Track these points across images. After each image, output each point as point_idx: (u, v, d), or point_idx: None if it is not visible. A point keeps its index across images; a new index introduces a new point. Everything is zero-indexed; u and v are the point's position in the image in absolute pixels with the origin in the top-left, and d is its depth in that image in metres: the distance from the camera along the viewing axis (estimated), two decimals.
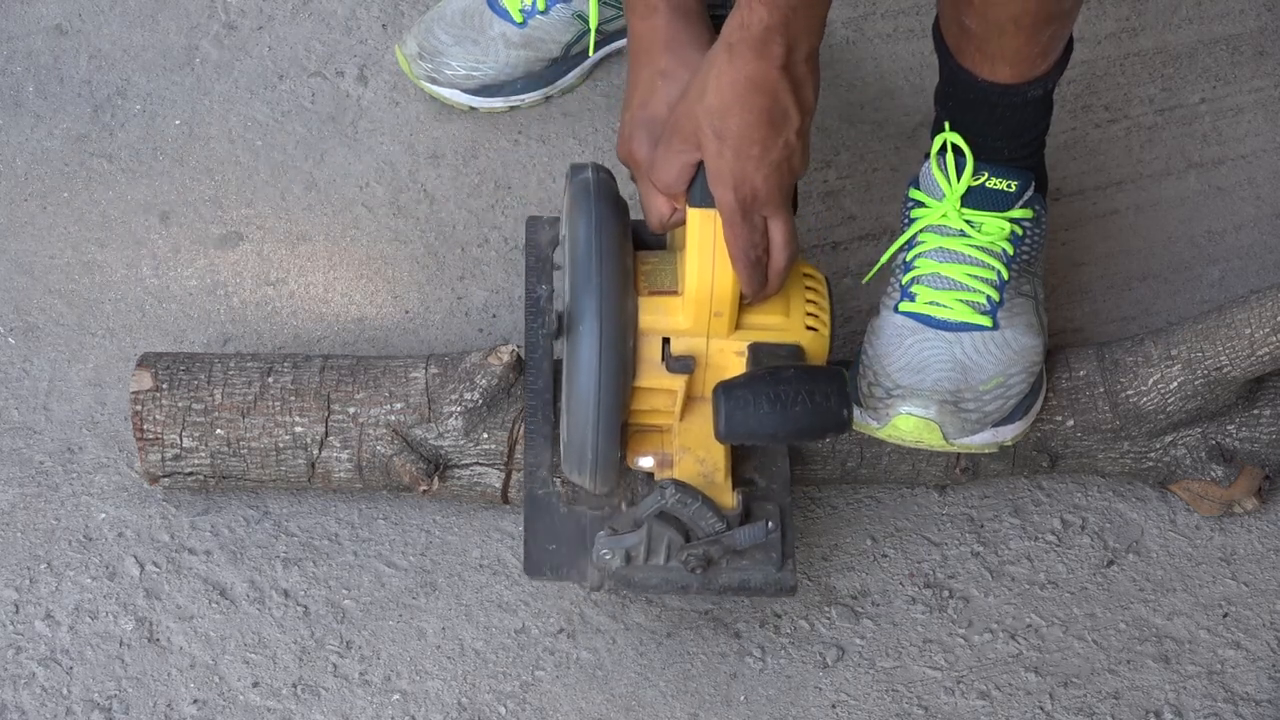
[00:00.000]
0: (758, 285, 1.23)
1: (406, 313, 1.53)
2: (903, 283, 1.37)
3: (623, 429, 1.24)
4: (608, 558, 1.25)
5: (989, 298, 1.35)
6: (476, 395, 1.34)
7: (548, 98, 1.67)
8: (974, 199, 1.37)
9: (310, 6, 1.74)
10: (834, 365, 1.27)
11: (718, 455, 1.27)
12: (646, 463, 1.28)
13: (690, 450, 1.27)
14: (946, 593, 1.38)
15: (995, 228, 1.36)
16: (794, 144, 1.20)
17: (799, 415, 1.19)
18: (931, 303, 1.35)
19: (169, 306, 1.53)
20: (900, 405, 1.30)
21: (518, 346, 1.35)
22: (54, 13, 1.74)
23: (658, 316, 1.24)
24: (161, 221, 1.59)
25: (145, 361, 1.37)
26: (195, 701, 1.32)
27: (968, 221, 1.36)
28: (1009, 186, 1.37)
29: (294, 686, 1.33)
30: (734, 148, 1.17)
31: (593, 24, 1.60)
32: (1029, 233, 1.39)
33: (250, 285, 1.55)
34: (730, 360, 1.25)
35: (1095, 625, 1.37)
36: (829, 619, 1.37)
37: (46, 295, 1.54)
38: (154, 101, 1.67)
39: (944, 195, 1.37)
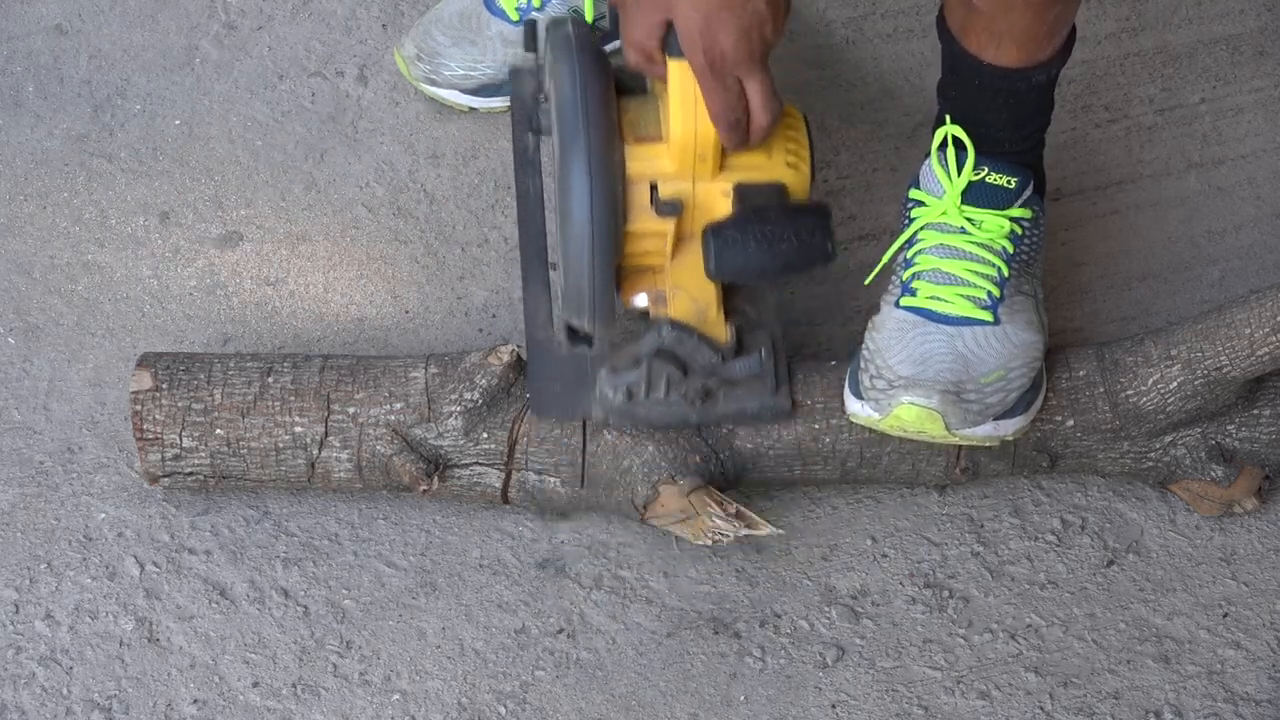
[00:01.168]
0: (738, 143, 1.26)
1: (406, 313, 1.53)
2: (904, 279, 1.38)
3: (617, 271, 1.29)
4: (610, 395, 1.31)
5: (989, 293, 1.36)
6: (476, 395, 1.34)
7: None
8: (974, 195, 1.37)
9: (310, 6, 1.74)
10: (817, 202, 1.30)
11: (710, 292, 1.32)
12: (641, 301, 1.32)
13: (683, 288, 1.31)
14: (946, 593, 1.38)
15: (995, 225, 1.37)
16: (763, 10, 1.20)
17: (785, 252, 1.25)
18: (933, 297, 1.35)
19: (169, 306, 1.53)
20: (903, 395, 1.30)
21: (518, 347, 1.36)
22: (54, 13, 1.74)
23: (644, 163, 1.27)
24: (161, 221, 1.59)
25: (145, 361, 1.37)
26: (195, 701, 1.32)
27: (968, 219, 1.37)
28: (1009, 183, 1.37)
29: (294, 686, 1.33)
30: (702, 11, 1.18)
31: (589, 19, 1.60)
32: (1028, 232, 1.39)
33: (250, 285, 1.55)
34: (717, 200, 1.29)
35: (1095, 625, 1.37)
36: (829, 619, 1.37)
37: (46, 295, 1.54)
38: (154, 101, 1.67)
39: (944, 192, 1.37)
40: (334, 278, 1.56)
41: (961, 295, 1.35)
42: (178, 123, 1.66)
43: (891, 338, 1.34)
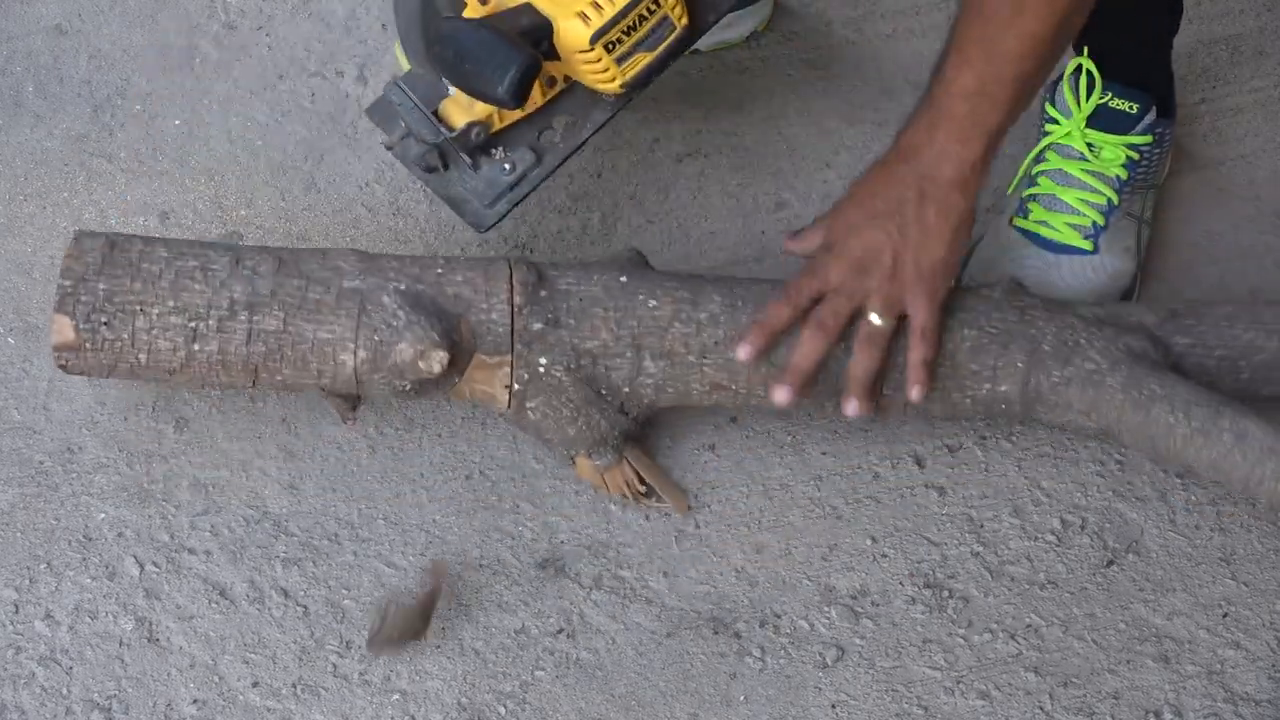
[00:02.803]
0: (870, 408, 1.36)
1: None
2: (1023, 196, 1.52)
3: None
4: (402, 126, 1.40)
5: (1094, 223, 1.49)
6: (407, 385, 1.34)
7: None
8: (1097, 120, 1.49)
9: (310, 6, 1.74)
10: (529, 51, 1.31)
11: None
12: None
13: None
14: (946, 593, 1.38)
15: (1113, 154, 1.49)
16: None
17: (469, 70, 1.30)
18: (1041, 222, 1.49)
19: None
20: None
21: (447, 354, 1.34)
22: (54, 13, 1.74)
23: None
24: (161, 221, 1.59)
25: (63, 304, 1.33)
26: (195, 701, 1.32)
27: (1089, 145, 1.49)
28: (1130, 108, 1.49)
29: (294, 686, 1.33)
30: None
31: None
32: (1145, 157, 1.51)
33: None
34: (510, 5, 1.34)
35: (1095, 625, 1.36)
36: (829, 619, 1.37)
37: (46, 295, 1.54)
38: (154, 101, 1.67)
39: (1072, 114, 1.49)
40: None
41: (1068, 224, 1.48)
42: (178, 123, 1.66)
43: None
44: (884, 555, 1.40)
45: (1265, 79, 1.70)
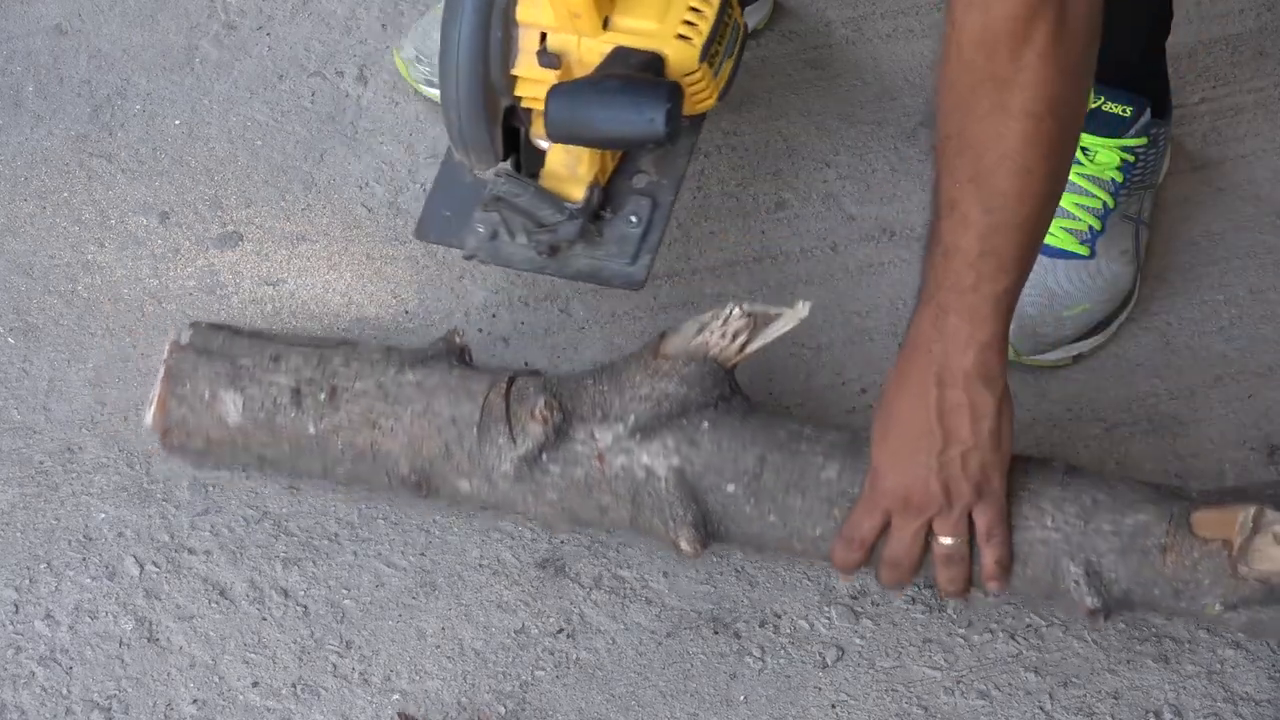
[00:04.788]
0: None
1: (406, 312, 1.53)
2: None
3: (516, 111, 1.33)
4: (480, 230, 1.35)
5: (1090, 227, 1.47)
6: (529, 445, 1.31)
7: None
8: (1090, 123, 1.46)
9: (310, 6, 1.74)
10: (670, 81, 1.28)
11: (583, 148, 1.33)
12: (542, 144, 1.35)
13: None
14: None
15: (1107, 157, 1.48)
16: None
17: (614, 121, 1.24)
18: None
19: (169, 306, 1.53)
20: None
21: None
22: (54, 13, 1.74)
23: (534, 10, 1.29)
24: (161, 221, 1.59)
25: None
26: (195, 701, 1.32)
27: (1083, 149, 1.47)
28: (1123, 111, 1.47)
29: (294, 686, 1.33)
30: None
31: None
32: (1141, 159, 1.49)
33: (250, 285, 1.55)
34: (595, 60, 1.30)
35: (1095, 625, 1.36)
36: (829, 619, 1.37)
37: (46, 295, 1.54)
38: (154, 101, 1.67)
39: None
40: (334, 278, 1.56)
41: (1064, 229, 1.47)
42: (178, 123, 1.66)
43: None
44: None
45: (1265, 79, 1.70)
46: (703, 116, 1.40)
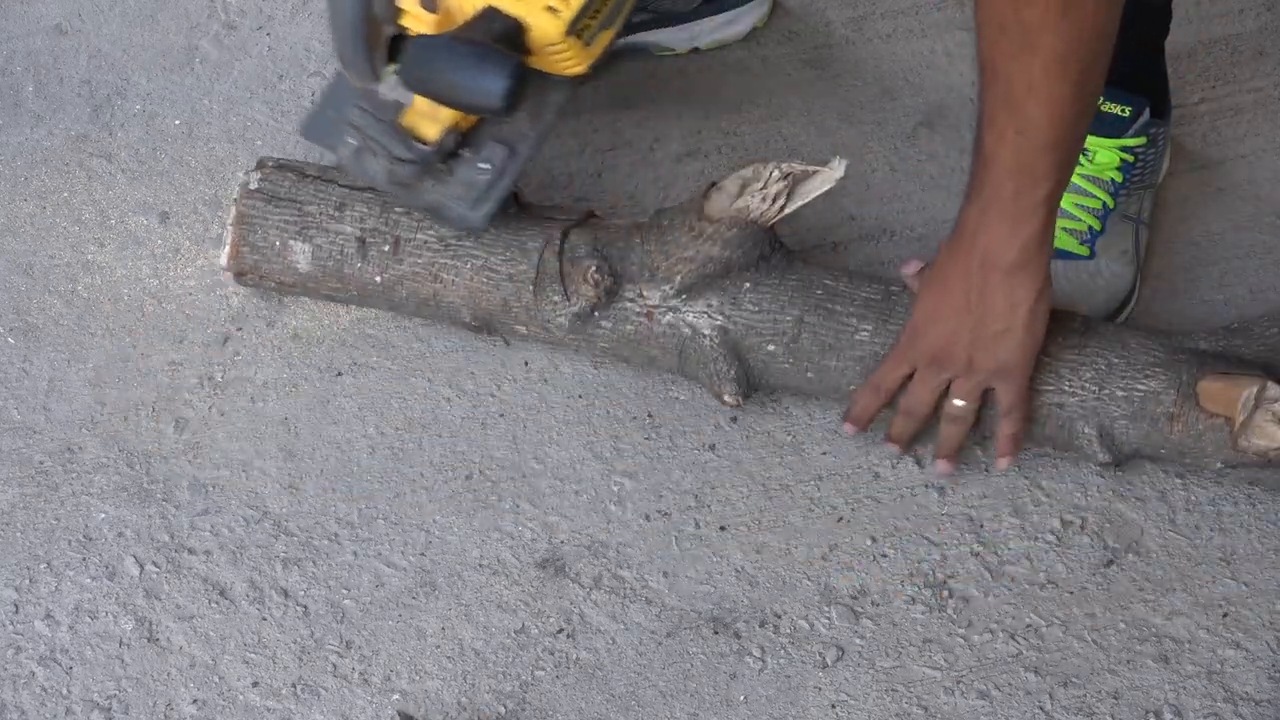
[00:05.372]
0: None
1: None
2: None
3: (394, 41, 1.33)
4: (351, 142, 1.40)
5: (1090, 228, 1.48)
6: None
7: None
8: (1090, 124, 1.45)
9: (310, 6, 1.74)
10: (516, 58, 1.30)
11: None
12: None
13: None
14: (946, 593, 1.38)
15: (1106, 158, 1.49)
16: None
17: (457, 86, 1.29)
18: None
19: (169, 306, 1.53)
20: None
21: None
22: (54, 13, 1.74)
23: None
24: (161, 222, 1.59)
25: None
26: (195, 701, 1.32)
27: (1082, 149, 1.45)
28: (1123, 111, 1.49)
29: (294, 686, 1.33)
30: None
31: None
32: (1140, 159, 1.51)
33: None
34: (470, 12, 1.33)
35: (1095, 625, 1.36)
36: (828, 619, 1.37)
37: (46, 295, 1.54)
38: (154, 101, 1.67)
39: None
40: None
41: (1064, 229, 1.47)
42: (178, 123, 1.66)
43: None
44: (884, 555, 1.40)
45: (1265, 79, 1.70)
46: (584, 76, 1.41)
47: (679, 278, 1.39)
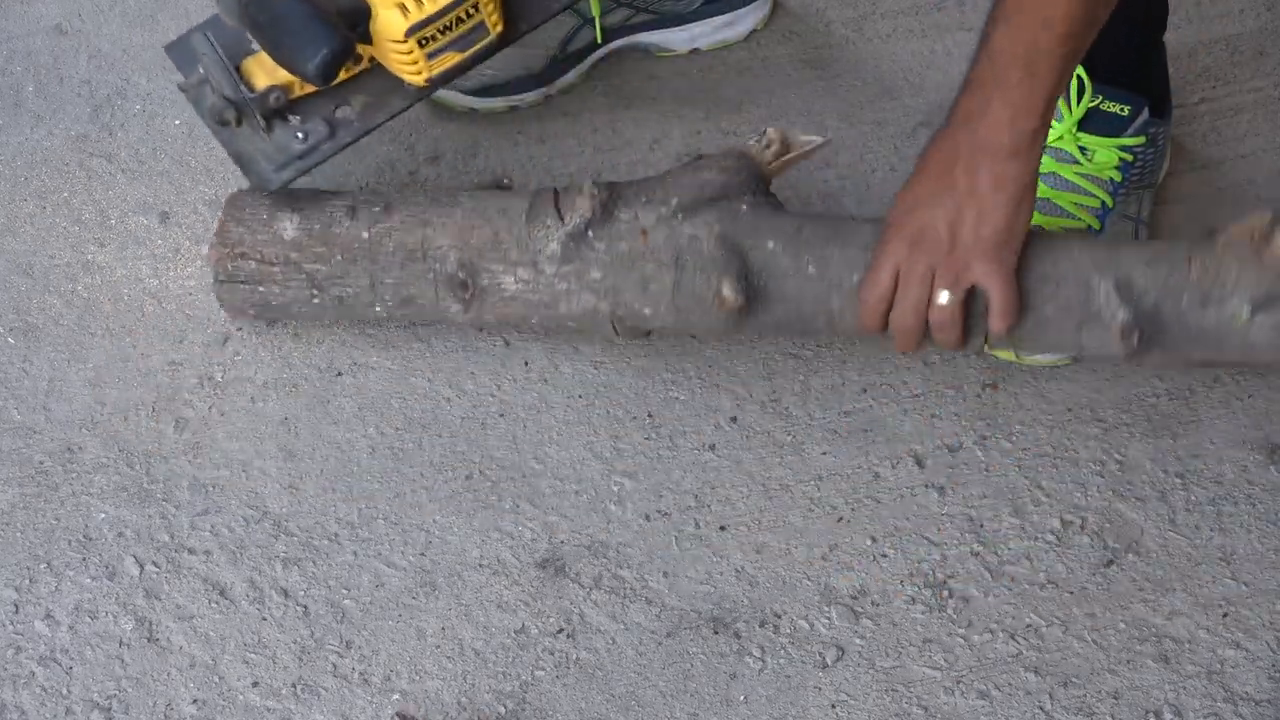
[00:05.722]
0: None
1: None
2: None
3: None
4: (200, 71, 1.42)
5: (1090, 227, 1.48)
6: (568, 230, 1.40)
7: (547, 97, 1.67)
8: (1088, 123, 1.49)
9: None
10: (344, 36, 1.33)
11: None
12: None
13: None
14: (946, 593, 1.38)
15: (1105, 157, 1.49)
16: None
17: (280, 43, 1.33)
18: (1036, 226, 1.41)
19: (168, 306, 1.53)
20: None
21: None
22: (54, 13, 1.74)
23: None
24: (161, 222, 1.59)
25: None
26: (195, 701, 1.32)
27: (1080, 148, 1.48)
28: (1122, 110, 1.49)
29: (294, 686, 1.33)
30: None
31: (595, 12, 1.61)
32: (1140, 158, 1.51)
33: None
34: None
35: (1095, 625, 1.36)
36: (828, 619, 1.37)
37: (46, 295, 1.54)
38: (154, 101, 1.67)
39: (1063, 118, 1.49)
40: None
41: (1063, 227, 1.47)
42: (178, 123, 1.66)
43: None
44: (884, 555, 1.40)
45: (1265, 79, 1.70)
46: (425, 91, 1.44)
47: (675, 199, 1.38)
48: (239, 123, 1.42)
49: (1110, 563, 1.40)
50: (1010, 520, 1.42)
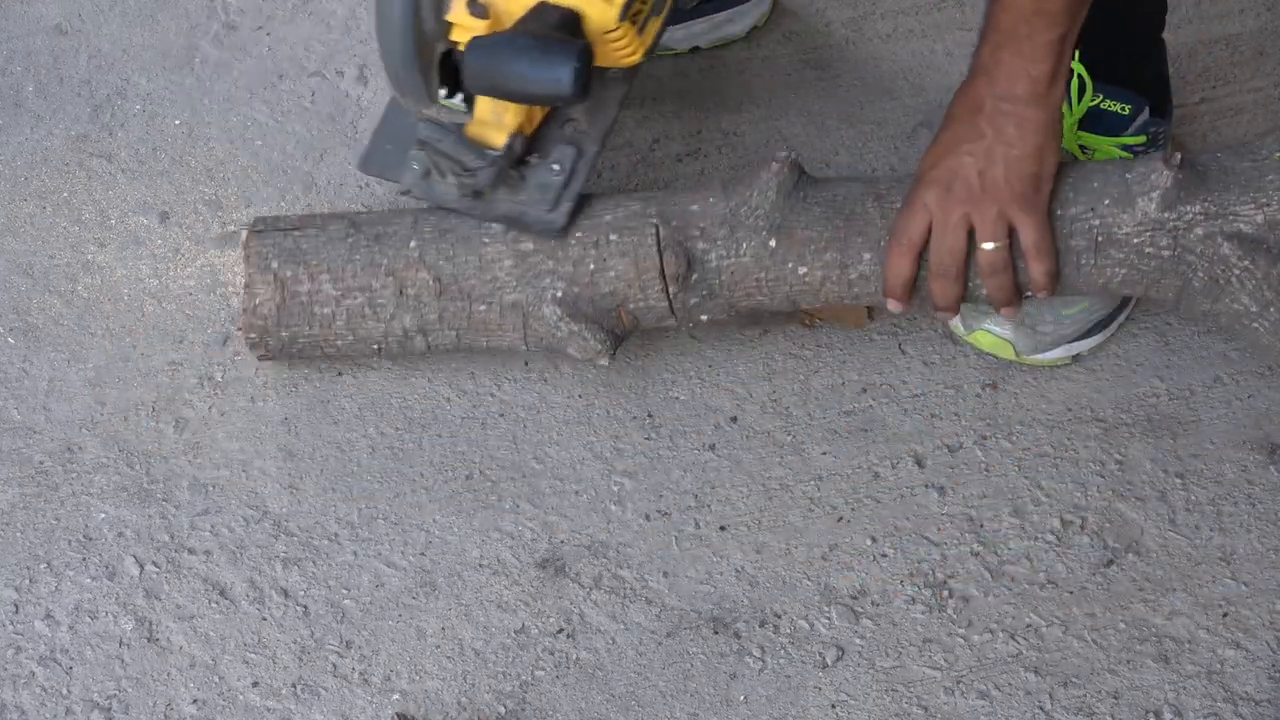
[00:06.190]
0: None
1: None
2: None
3: (444, 59, 1.34)
4: (415, 168, 1.41)
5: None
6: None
7: None
8: (1089, 122, 1.48)
9: (310, 6, 1.74)
10: (581, 41, 1.32)
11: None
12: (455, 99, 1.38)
13: None
14: (946, 593, 1.38)
15: (1106, 156, 1.48)
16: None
17: (525, 78, 1.29)
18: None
19: (169, 306, 1.53)
20: (984, 321, 1.46)
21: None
22: (54, 13, 1.74)
23: None
24: (161, 221, 1.59)
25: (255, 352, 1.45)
26: (195, 701, 1.32)
27: (1081, 147, 1.48)
28: (1122, 110, 1.49)
29: (294, 686, 1.33)
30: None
31: None
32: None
33: None
34: (520, 12, 1.33)
35: (1095, 625, 1.36)
36: (828, 619, 1.37)
37: (46, 295, 1.54)
38: (154, 101, 1.67)
39: (1063, 118, 1.47)
40: None
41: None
42: (178, 123, 1.66)
43: None
44: (884, 555, 1.40)
45: (1265, 79, 1.70)
46: (636, 68, 1.42)
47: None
48: (493, 188, 1.40)
49: (1110, 563, 1.40)
50: (1010, 520, 1.42)
